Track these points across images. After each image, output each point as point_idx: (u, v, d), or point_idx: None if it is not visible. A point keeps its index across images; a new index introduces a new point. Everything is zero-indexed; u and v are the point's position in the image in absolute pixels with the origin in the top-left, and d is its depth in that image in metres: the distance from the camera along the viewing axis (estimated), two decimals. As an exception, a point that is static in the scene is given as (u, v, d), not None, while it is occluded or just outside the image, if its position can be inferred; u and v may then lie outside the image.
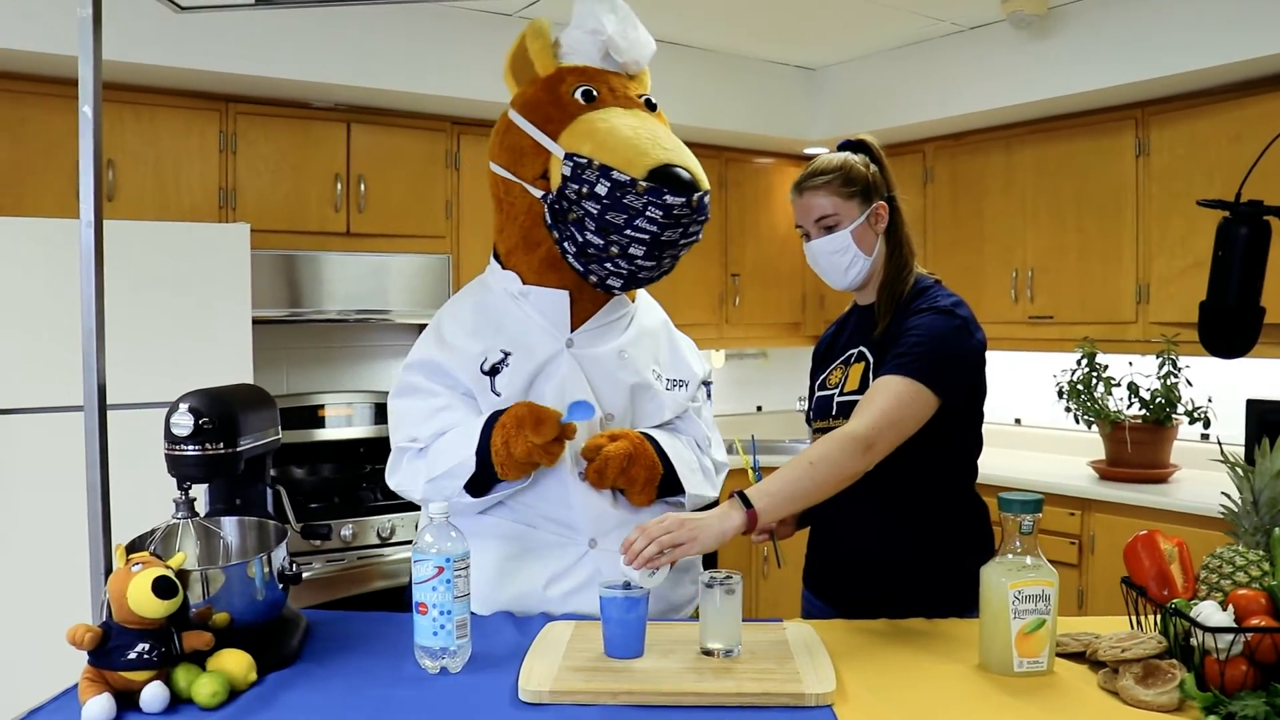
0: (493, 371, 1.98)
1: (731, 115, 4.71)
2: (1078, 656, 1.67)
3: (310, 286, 3.90)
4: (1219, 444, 2.02)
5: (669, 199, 1.83)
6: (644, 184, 1.82)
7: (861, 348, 2.08)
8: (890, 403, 1.84)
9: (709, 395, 2.23)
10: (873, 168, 2.07)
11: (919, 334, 1.92)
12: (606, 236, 1.88)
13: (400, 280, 4.09)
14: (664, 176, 1.83)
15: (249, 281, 3.44)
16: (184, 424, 1.72)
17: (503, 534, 2.00)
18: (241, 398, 1.87)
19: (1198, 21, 3.59)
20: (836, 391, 2.08)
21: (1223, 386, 3.92)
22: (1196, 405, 3.91)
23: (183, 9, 2.01)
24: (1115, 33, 3.83)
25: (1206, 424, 3.89)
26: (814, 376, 2.23)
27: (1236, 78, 3.70)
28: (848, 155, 2.08)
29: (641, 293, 2.21)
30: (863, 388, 1.99)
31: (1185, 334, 3.79)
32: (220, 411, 1.75)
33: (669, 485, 2.02)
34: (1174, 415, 3.92)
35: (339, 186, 4.04)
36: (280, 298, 3.84)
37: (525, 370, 1.98)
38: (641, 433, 2.02)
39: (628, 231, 1.86)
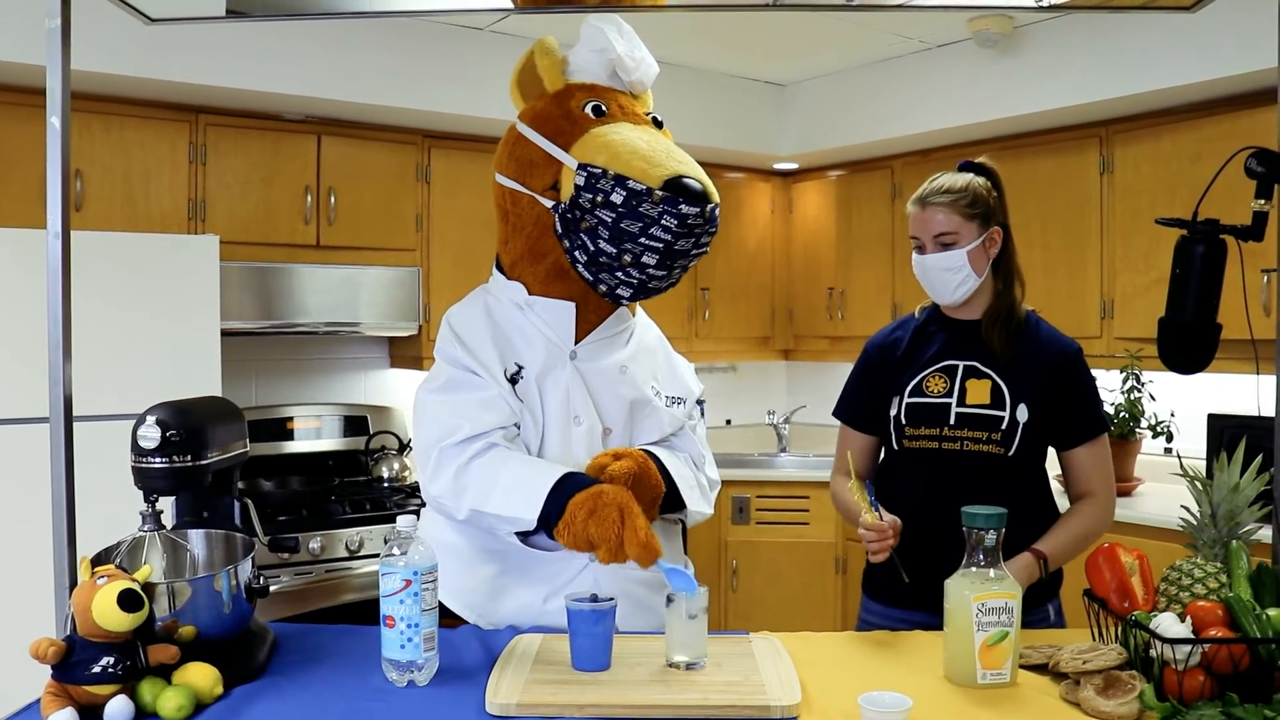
0: (512, 380, 1.99)
1: (701, 130, 4.72)
2: (1040, 668, 1.69)
3: (280, 298, 3.87)
4: (1179, 458, 2.06)
5: (684, 208, 1.86)
6: (660, 193, 1.85)
7: (975, 363, 2.14)
8: (1110, 463, 2.19)
9: (702, 413, 2.24)
10: (994, 193, 2.17)
11: (1092, 389, 2.17)
12: (620, 244, 1.90)
13: (370, 293, 4.07)
14: (678, 187, 1.86)
15: (218, 293, 3.42)
16: (151, 436, 1.72)
17: (502, 548, 1.99)
18: (209, 410, 1.87)
19: (1160, 42, 3.65)
20: (954, 401, 2.12)
21: (1186, 401, 3.97)
22: (1160, 419, 3.95)
23: (153, 20, 2.01)
24: (1079, 52, 3.89)
25: (1169, 438, 3.93)
26: (895, 378, 2.21)
27: (1196, 98, 3.76)
28: (972, 177, 2.17)
29: (640, 310, 2.22)
30: (995, 403, 2.10)
31: (1149, 349, 3.80)
32: (187, 424, 1.75)
33: (669, 502, 2.01)
34: (1138, 429, 3.96)
35: (309, 198, 4.03)
36: (249, 309, 3.80)
37: (534, 381, 2.00)
38: (643, 450, 2.01)
39: (642, 240, 1.88)
